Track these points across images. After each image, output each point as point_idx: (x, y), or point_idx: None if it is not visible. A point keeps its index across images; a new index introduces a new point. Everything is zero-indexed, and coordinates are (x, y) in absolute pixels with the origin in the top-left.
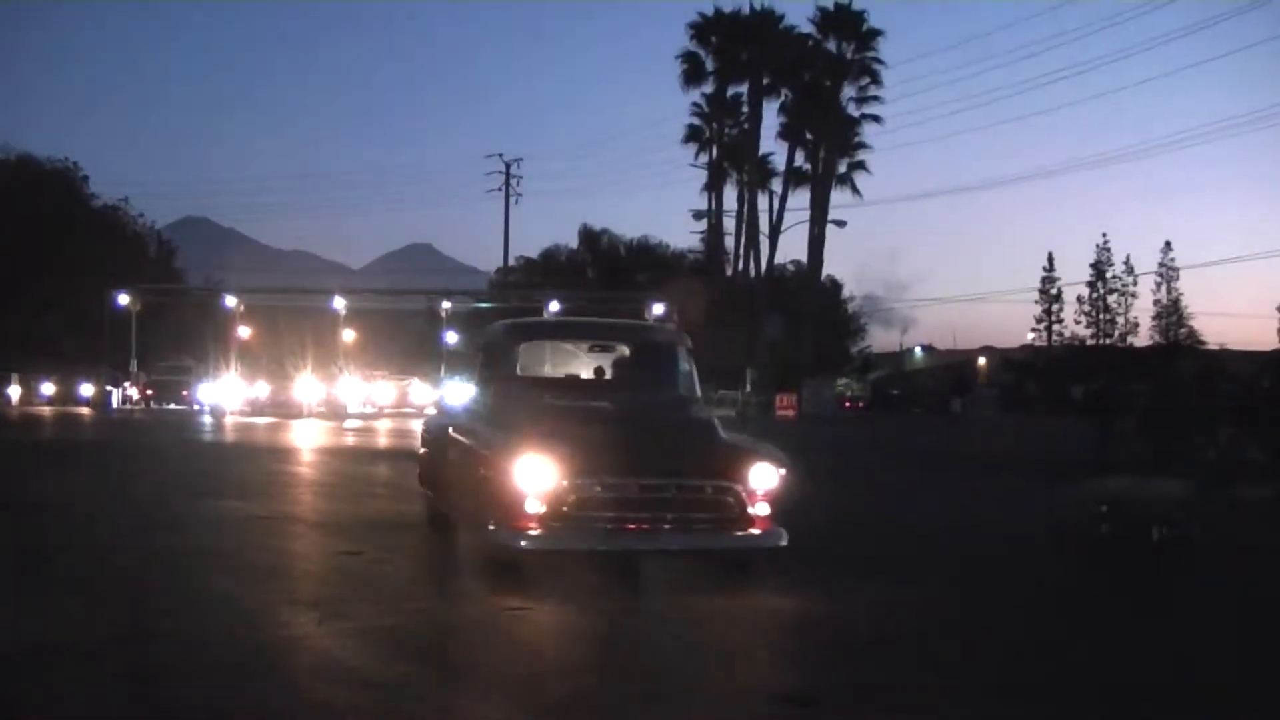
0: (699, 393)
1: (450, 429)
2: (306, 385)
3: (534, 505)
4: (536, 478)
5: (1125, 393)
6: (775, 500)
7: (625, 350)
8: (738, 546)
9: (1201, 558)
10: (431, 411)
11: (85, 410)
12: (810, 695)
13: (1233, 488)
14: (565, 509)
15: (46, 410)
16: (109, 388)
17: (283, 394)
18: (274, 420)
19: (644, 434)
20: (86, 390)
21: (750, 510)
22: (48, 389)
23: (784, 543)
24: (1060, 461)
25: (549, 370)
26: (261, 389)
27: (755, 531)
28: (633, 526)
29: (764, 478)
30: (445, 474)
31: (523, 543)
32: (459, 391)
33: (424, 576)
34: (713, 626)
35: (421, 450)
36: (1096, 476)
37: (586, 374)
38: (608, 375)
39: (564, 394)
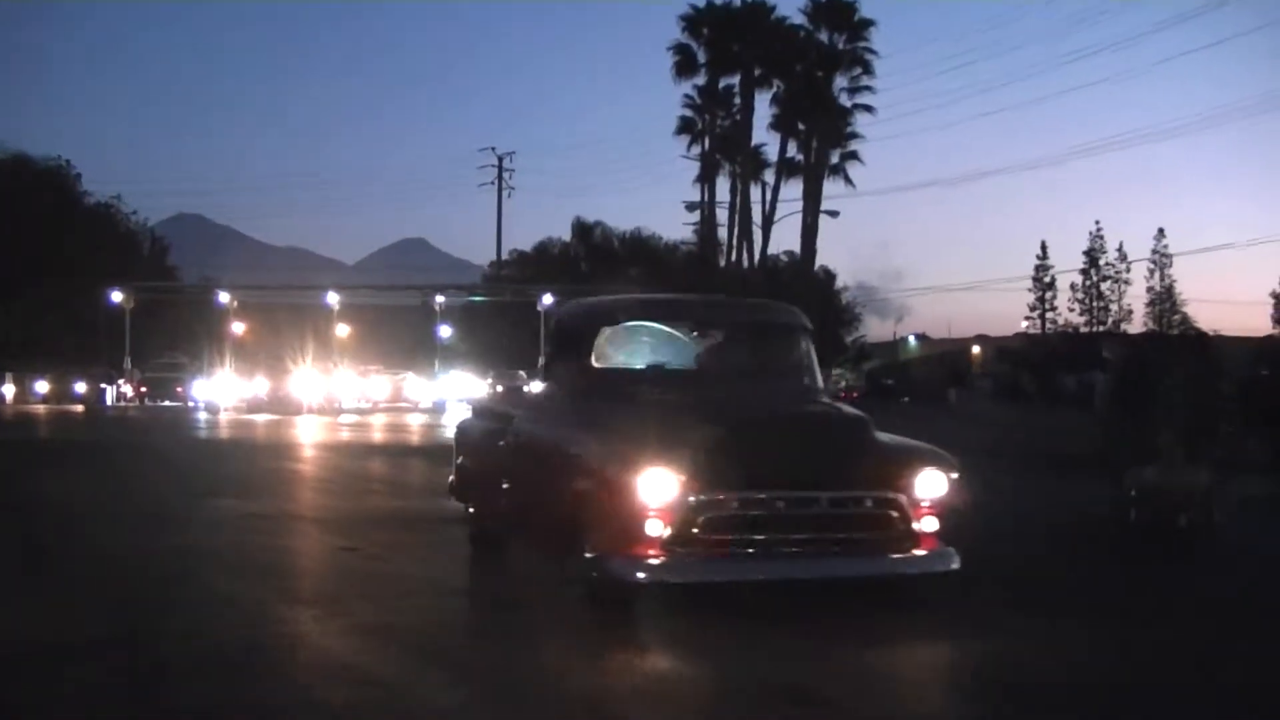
0: (821, 383)
1: (513, 434)
2: (302, 381)
3: (655, 527)
4: (660, 493)
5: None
6: (945, 514)
7: (736, 334)
8: (903, 572)
9: (1231, 545)
10: (467, 412)
11: (80, 408)
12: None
13: (1238, 480)
14: (694, 531)
15: (41, 409)
16: (103, 385)
17: (278, 390)
18: (270, 416)
19: (784, 435)
20: (81, 388)
21: (915, 526)
22: (42, 387)
23: (956, 565)
24: (1063, 454)
25: (644, 359)
26: (256, 386)
27: (920, 553)
28: (777, 550)
29: (932, 485)
30: (503, 488)
31: (640, 574)
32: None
33: (422, 573)
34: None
35: (458, 459)
36: (1118, 468)
37: (688, 363)
38: (715, 364)
39: (670, 388)
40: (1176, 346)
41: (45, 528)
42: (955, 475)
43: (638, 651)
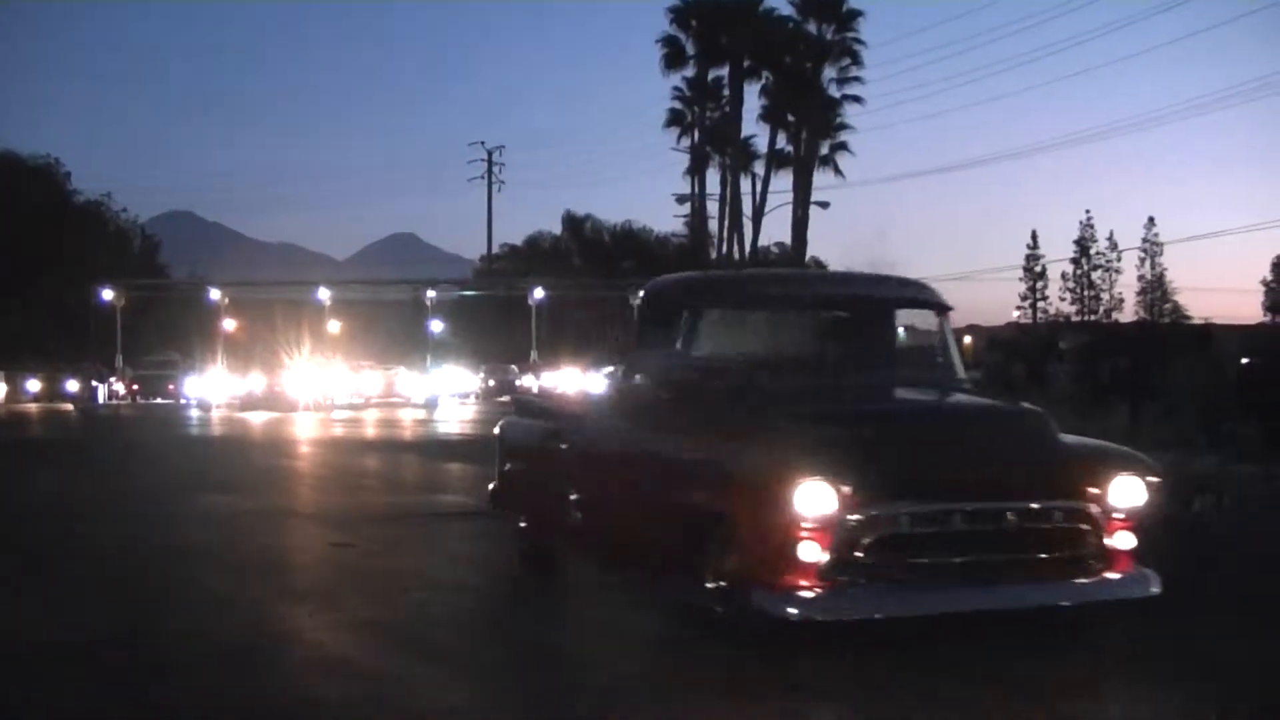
0: (964, 372)
1: (589, 437)
2: (294, 378)
3: (810, 552)
4: (817, 510)
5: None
6: (1141, 527)
7: (864, 314)
8: (1096, 599)
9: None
10: (513, 410)
11: (71, 407)
12: None
13: (1238, 467)
14: (859, 555)
15: (33, 407)
16: (95, 383)
17: (271, 387)
18: (263, 413)
19: (955, 435)
20: (73, 386)
21: (1108, 542)
22: (33, 386)
23: (1157, 590)
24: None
25: (759, 345)
26: (249, 382)
27: (1114, 575)
28: (954, 575)
29: (1129, 493)
30: (570, 499)
31: (792, 609)
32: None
33: (419, 568)
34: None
35: (504, 465)
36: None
37: (812, 350)
38: (844, 351)
39: (799, 381)
40: (1164, 335)
41: (41, 527)
42: (1155, 481)
43: (641, 651)
